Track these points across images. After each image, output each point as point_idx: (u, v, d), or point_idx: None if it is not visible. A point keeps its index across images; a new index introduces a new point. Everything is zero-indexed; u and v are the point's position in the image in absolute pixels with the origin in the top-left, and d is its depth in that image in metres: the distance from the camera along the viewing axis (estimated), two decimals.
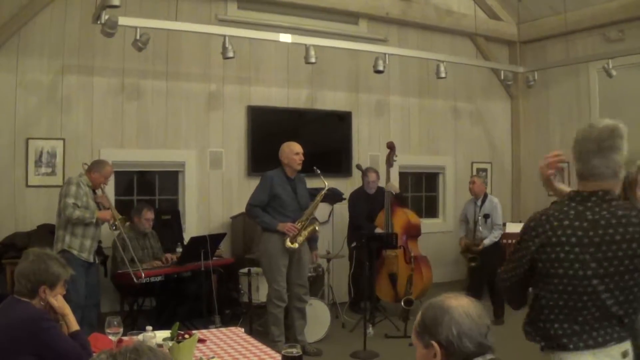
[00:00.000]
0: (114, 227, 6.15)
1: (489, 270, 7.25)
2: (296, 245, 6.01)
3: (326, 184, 6.23)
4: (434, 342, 1.91)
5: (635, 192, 3.38)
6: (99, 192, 6.02)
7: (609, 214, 2.36)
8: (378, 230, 7.47)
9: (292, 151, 6.08)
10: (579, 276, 2.38)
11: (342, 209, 8.13)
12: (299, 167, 6.12)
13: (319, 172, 6.21)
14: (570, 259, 2.39)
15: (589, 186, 2.43)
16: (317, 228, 6.27)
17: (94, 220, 5.75)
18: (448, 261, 9.70)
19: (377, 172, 7.82)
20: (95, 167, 5.97)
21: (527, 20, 10.13)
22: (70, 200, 5.65)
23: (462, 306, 1.94)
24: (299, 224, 6.04)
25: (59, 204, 5.78)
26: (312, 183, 6.59)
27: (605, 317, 2.40)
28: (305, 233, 6.09)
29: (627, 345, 2.42)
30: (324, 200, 6.53)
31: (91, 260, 5.88)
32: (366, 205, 7.66)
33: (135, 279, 6.03)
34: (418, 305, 4.99)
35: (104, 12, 6.18)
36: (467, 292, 7.60)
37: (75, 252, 5.68)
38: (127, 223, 6.30)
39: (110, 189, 7.51)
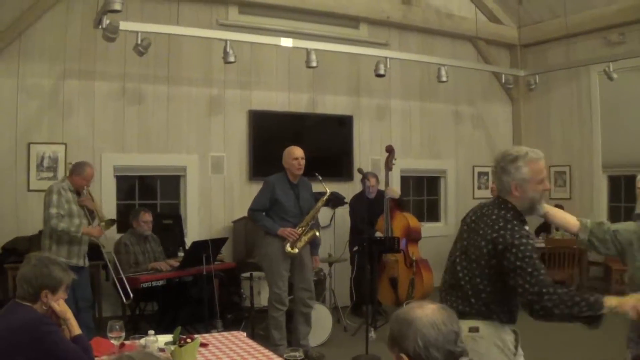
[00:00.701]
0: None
1: None
2: (296, 250, 5.99)
3: (327, 190, 6.22)
4: (403, 355, 1.91)
5: None
6: (84, 192, 5.95)
7: (488, 214, 2.92)
8: (377, 234, 7.46)
9: (291, 156, 6.05)
10: (455, 247, 3.04)
11: (343, 213, 8.12)
12: (299, 172, 6.09)
13: (320, 178, 6.19)
14: (460, 231, 3.08)
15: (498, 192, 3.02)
16: (317, 234, 6.25)
17: (79, 235, 5.67)
18: None
19: (376, 177, 7.80)
20: (75, 170, 5.90)
21: (528, 24, 10.14)
22: (53, 210, 5.59)
23: (426, 316, 1.91)
24: (300, 229, 6.02)
25: (43, 213, 5.72)
26: (314, 188, 6.58)
27: (458, 289, 2.91)
28: (305, 238, 6.06)
29: (477, 324, 2.82)
30: (325, 204, 6.52)
31: (81, 264, 5.80)
32: (366, 210, 7.64)
33: (125, 299, 6.06)
34: None
35: (105, 16, 6.18)
36: None
37: (63, 260, 5.61)
38: (114, 225, 6.27)
39: (111, 194, 7.53)
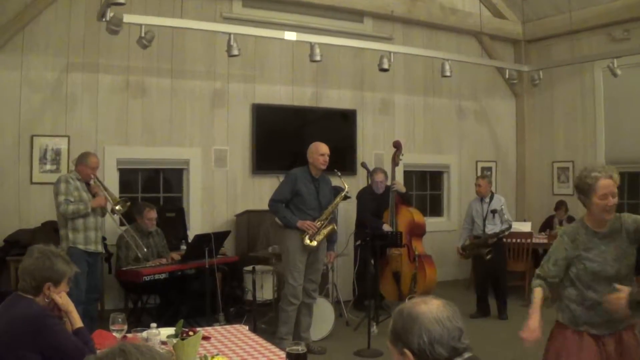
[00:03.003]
0: (114, 214, 6.24)
1: (493, 268, 7.29)
2: (314, 243, 6.04)
3: (346, 185, 6.31)
4: (406, 351, 1.89)
5: None
6: (92, 182, 6.07)
7: None
8: (386, 226, 7.45)
9: (318, 152, 6.14)
10: None
11: (346, 208, 8.11)
12: (323, 167, 6.17)
13: (339, 174, 6.32)
14: None
15: None
16: (335, 228, 6.31)
17: (89, 210, 5.83)
18: (452, 260, 9.66)
19: (385, 172, 7.80)
20: (80, 160, 6.05)
21: (532, 19, 10.12)
22: (62, 198, 5.76)
23: (431, 312, 1.90)
24: (319, 222, 6.08)
25: (55, 204, 5.86)
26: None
27: None
28: (324, 232, 6.14)
29: None
30: (343, 199, 6.59)
31: (99, 250, 6.01)
32: (373, 204, 7.66)
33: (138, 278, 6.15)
34: None
35: (108, 9, 6.18)
36: (476, 289, 7.64)
37: (81, 247, 5.78)
38: (128, 204, 6.22)
39: (114, 187, 7.52)
